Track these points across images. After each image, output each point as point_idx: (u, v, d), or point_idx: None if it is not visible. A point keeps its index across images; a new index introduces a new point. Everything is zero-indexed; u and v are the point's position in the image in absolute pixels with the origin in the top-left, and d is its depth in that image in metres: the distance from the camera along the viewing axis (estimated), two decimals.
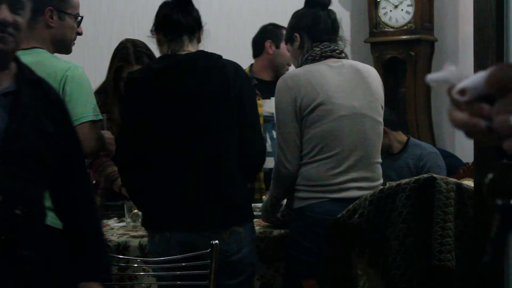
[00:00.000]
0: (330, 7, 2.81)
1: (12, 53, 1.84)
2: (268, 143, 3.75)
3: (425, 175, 2.49)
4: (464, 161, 3.96)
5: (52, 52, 2.53)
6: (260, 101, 3.72)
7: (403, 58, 4.81)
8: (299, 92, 2.62)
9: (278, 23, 4.18)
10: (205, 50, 2.50)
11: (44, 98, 1.90)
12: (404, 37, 4.81)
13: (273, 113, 3.72)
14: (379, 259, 2.49)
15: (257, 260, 2.58)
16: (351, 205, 2.51)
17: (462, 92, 0.77)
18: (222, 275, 2.33)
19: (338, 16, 2.83)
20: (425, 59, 4.84)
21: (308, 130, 2.63)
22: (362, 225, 2.47)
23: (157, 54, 2.70)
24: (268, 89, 3.79)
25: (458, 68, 0.80)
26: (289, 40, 2.80)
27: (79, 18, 2.59)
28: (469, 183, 2.73)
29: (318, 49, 2.70)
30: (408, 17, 4.81)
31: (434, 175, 2.47)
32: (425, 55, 4.84)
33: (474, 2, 2.22)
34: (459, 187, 2.46)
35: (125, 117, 2.53)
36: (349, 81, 2.67)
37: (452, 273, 2.38)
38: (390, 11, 4.87)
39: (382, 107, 2.74)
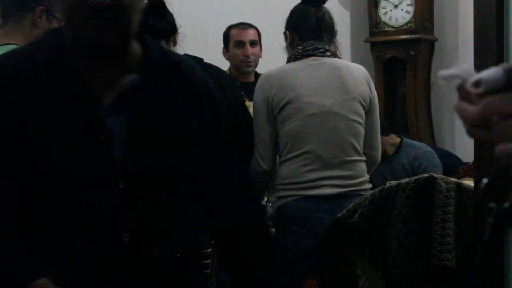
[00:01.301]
0: (329, 7, 2.81)
1: (122, 39, 1.38)
2: None
3: (425, 175, 2.49)
4: (464, 161, 3.96)
5: None
6: (247, 103, 3.73)
7: (403, 58, 4.81)
8: (271, 91, 2.64)
9: (278, 22, 4.17)
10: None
11: (185, 87, 1.46)
12: (404, 37, 4.81)
13: None
14: (379, 259, 2.49)
15: None
16: (351, 205, 2.51)
17: (477, 84, 0.75)
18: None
19: (338, 16, 2.83)
20: (425, 59, 4.84)
21: (280, 129, 2.65)
22: (362, 225, 2.47)
23: None
24: (253, 90, 3.81)
25: (469, 66, 0.79)
26: (284, 37, 2.82)
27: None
28: (469, 183, 2.73)
29: (301, 47, 2.70)
30: (408, 17, 4.81)
31: (434, 175, 2.47)
32: (425, 55, 4.84)
33: (474, 2, 2.22)
34: (459, 187, 2.46)
35: None
36: (324, 80, 2.66)
37: (452, 273, 2.38)
38: (390, 10, 4.87)
39: (362, 105, 2.69)
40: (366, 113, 2.70)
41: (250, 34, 3.81)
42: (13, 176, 1.36)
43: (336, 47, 2.79)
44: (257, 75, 3.79)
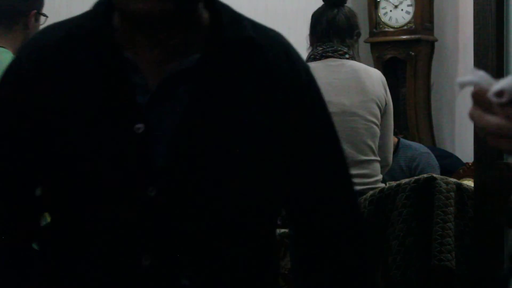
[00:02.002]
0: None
1: (177, 6, 1.02)
2: None
3: (425, 175, 2.49)
4: (464, 161, 3.96)
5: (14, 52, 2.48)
6: None
7: (403, 58, 4.81)
8: None
9: (278, 23, 4.16)
10: None
11: (263, 73, 1.10)
12: (404, 37, 4.80)
13: None
14: (379, 259, 2.49)
15: None
16: None
17: (500, 94, 0.74)
18: None
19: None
20: (425, 59, 4.84)
21: None
22: None
23: None
24: None
25: (486, 73, 0.78)
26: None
27: (46, 18, 2.56)
28: (469, 183, 2.73)
29: (321, 48, 2.73)
30: (408, 17, 4.81)
31: (434, 175, 2.47)
32: (425, 55, 4.84)
33: (474, 2, 2.22)
34: (459, 187, 2.46)
35: None
36: (343, 80, 2.69)
37: (452, 273, 2.38)
38: (390, 11, 4.86)
39: (379, 107, 2.74)
40: (381, 115, 2.75)
41: None
42: (17, 169, 1.09)
43: (354, 49, 2.82)
44: None
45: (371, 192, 2.52)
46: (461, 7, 4.84)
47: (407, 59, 4.77)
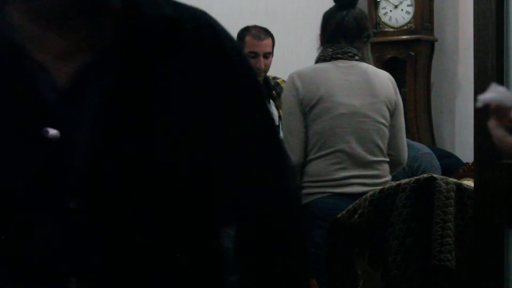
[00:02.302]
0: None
1: None
2: None
3: (425, 175, 2.49)
4: (464, 161, 3.96)
5: None
6: None
7: (403, 58, 4.81)
8: (303, 88, 2.70)
9: (278, 23, 4.17)
10: None
11: (176, 51, 0.96)
12: (404, 37, 4.81)
13: None
14: (379, 259, 2.49)
15: None
16: (351, 205, 2.52)
17: None
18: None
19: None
20: (425, 59, 4.84)
21: (311, 127, 2.71)
22: (362, 225, 2.47)
23: None
24: None
25: (506, 89, 0.78)
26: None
27: None
28: (469, 183, 2.73)
29: (331, 50, 2.78)
30: (408, 17, 4.81)
31: (434, 175, 2.47)
32: (425, 55, 4.84)
33: (474, 2, 2.22)
34: (459, 187, 2.46)
35: None
36: (354, 82, 2.74)
37: (452, 273, 2.38)
38: (390, 11, 4.87)
39: (388, 108, 2.80)
40: (391, 115, 2.81)
41: (265, 46, 3.71)
42: None
43: (364, 51, 2.87)
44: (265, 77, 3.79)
45: (371, 192, 2.52)
46: (461, 7, 4.84)
47: (407, 59, 4.78)
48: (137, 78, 0.93)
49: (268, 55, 3.72)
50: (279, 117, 3.83)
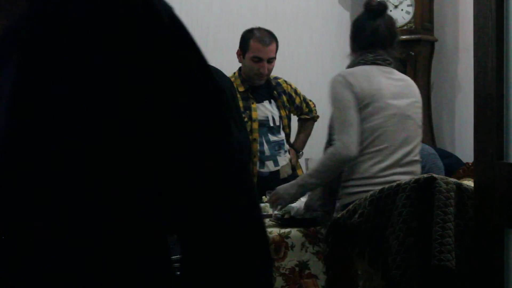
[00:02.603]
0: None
1: None
2: (265, 146, 3.74)
3: (425, 175, 2.49)
4: (464, 161, 3.96)
5: None
6: (254, 105, 3.72)
7: (403, 58, 4.81)
8: (358, 86, 2.80)
9: (278, 23, 4.16)
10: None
11: (96, 17, 0.83)
12: (404, 37, 4.81)
13: (267, 117, 3.75)
14: (379, 259, 2.49)
15: None
16: (351, 205, 2.51)
17: None
18: None
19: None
20: (425, 59, 4.84)
21: (362, 124, 2.79)
22: (362, 225, 2.47)
23: None
24: (260, 93, 3.79)
25: None
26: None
27: None
28: (469, 183, 2.73)
29: (372, 55, 2.90)
30: (408, 17, 4.81)
31: (434, 175, 2.47)
32: (425, 55, 4.84)
33: (474, 2, 2.22)
34: (459, 187, 2.46)
35: None
36: (397, 86, 2.88)
37: (452, 273, 2.38)
38: (390, 11, 4.86)
39: (422, 113, 2.97)
40: None
41: (270, 51, 3.68)
42: None
43: (396, 59, 2.99)
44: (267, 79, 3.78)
45: (371, 192, 2.52)
46: (461, 7, 4.84)
47: (407, 59, 4.77)
48: (56, 49, 0.81)
49: (272, 60, 3.70)
50: (280, 117, 3.83)
